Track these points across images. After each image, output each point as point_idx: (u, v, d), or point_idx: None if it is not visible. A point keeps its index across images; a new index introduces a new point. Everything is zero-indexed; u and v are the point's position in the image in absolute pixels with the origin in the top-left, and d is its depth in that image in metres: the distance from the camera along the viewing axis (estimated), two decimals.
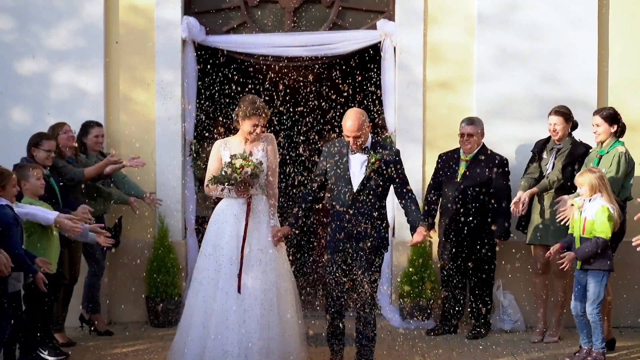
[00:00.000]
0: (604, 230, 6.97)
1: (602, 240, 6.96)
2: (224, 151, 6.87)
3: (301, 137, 12.34)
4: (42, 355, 7.17)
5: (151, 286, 8.52)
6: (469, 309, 8.40)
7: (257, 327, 6.55)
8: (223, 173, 6.64)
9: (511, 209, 7.83)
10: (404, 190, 6.78)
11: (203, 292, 6.69)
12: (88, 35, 8.60)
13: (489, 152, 8.21)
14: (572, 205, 7.26)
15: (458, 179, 8.13)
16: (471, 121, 8.21)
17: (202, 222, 9.15)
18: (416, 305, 8.47)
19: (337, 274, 6.75)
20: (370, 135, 6.82)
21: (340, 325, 6.84)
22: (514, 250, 8.39)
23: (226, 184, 6.67)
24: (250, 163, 6.62)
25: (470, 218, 8.02)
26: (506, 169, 8.16)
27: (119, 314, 8.75)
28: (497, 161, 8.13)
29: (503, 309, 8.37)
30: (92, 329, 8.28)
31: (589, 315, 7.04)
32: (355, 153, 6.74)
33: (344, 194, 6.73)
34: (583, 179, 7.10)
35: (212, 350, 6.51)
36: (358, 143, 6.69)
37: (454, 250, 8.17)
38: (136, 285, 8.70)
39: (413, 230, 6.71)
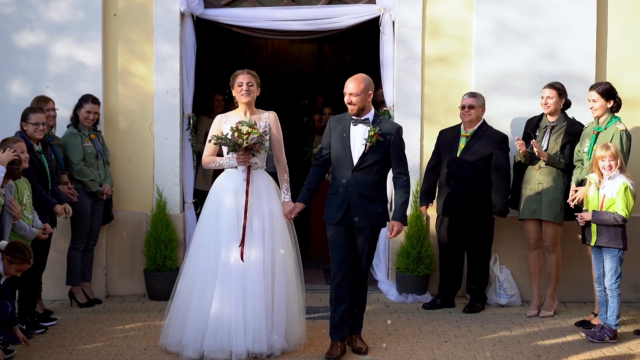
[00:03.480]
0: (624, 208, 7.02)
1: (621, 218, 7.02)
2: (224, 125, 6.89)
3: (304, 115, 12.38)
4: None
5: (149, 259, 8.57)
6: (465, 283, 8.46)
7: (258, 299, 6.58)
8: (229, 137, 6.67)
9: (516, 144, 7.91)
10: (398, 172, 6.72)
11: (203, 264, 6.73)
12: (86, 8, 8.57)
13: (489, 128, 8.22)
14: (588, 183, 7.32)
15: (458, 154, 8.14)
16: (473, 94, 8.21)
17: (200, 196, 9.20)
18: (413, 280, 8.51)
19: (339, 247, 6.74)
20: (373, 109, 6.74)
21: (346, 298, 6.76)
22: (510, 225, 8.44)
23: (230, 149, 6.71)
24: (256, 130, 6.66)
25: (469, 193, 8.05)
26: (506, 145, 8.17)
27: (117, 286, 8.80)
28: (497, 137, 8.14)
29: (499, 283, 8.41)
30: (73, 301, 8.35)
31: (608, 289, 7.12)
32: (357, 124, 6.66)
33: (344, 168, 6.71)
34: (608, 153, 7.08)
35: (214, 322, 6.55)
36: (353, 104, 6.62)
37: (451, 224, 8.20)
38: (134, 258, 8.77)
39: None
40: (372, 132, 6.58)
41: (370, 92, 6.68)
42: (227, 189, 6.82)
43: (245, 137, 6.62)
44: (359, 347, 6.86)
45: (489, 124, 8.27)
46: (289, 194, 6.99)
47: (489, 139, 8.12)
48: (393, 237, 6.79)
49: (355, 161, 6.66)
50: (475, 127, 8.17)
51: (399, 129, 6.71)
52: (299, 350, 6.84)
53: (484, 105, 8.22)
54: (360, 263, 6.75)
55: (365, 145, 6.61)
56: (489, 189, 8.09)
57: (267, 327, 6.61)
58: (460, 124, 8.27)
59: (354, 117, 6.70)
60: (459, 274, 8.37)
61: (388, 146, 6.64)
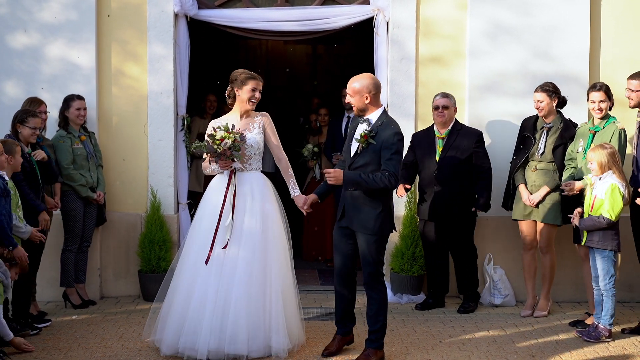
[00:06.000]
0: (610, 210, 7.00)
1: (606, 220, 7.00)
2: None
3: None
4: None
5: (144, 260, 8.56)
6: (456, 285, 8.46)
7: (245, 300, 6.56)
8: (205, 144, 6.67)
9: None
10: (382, 168, 6.36)
11: (192, 265, 6.70)
12: (80, 9, 8.56)
13: (462, 127, 8.19)
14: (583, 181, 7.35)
15: (437, 158, 8.08)
16: (445, 94, 8.17)
17: (193, 197, 9.20)
18: (407, 280, 8.50)
19: (336, 247, 6.75)
20: (380, 110, 6.49)
21: (345, 295, 6.79)
22: (505, 226, 8.45)
23: (208, 155, 6.72)
24: (231, 135, 6.59)
25: (453, 194, 8.01)
26: (483, 141, 8.15)
27: (112, 288, 8.80)
28: (473, 135, 8.10)
29: (493, 283, 8.41)
30: (67, 302, 8.34)
31: (603, 290, 7.12)
32: (362, 123, 6.48)
33: (345, 166, 6.67)
34: (593, 155, 7.10)
35: (192, 322, 6.55)
36: (352, 104, 6.49)
37: (437, 227, 8.17)
38: (129, 259, 8.76)
39: None
40: (363, 133, 6.41)
41: (366, 93, 6.40)
42: (219, 191, 6.80)
43: (218, 142, 6.57)
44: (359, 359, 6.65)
45: (483, 124, 8.28)
46: (297, 187, 6.98)
47: (466, 137, 8.09)
48: (325, 173, 6.46)
49: (350, 160, 6.58)
50: (449, 128, 8.13)
51: (394, 135, 6.34)
52: (295, 351, 6.81)
53: (456, 105, 8.20)
54: (363, 268, 6.57)
55: (358, 145, 6.49)
56: (471, 187, 8.07)
57: (265, 328, 6.59)
58: (432, 125, 8.22)
59: (359, 116, 6.58)
60: (446, 275, 8.35)
61: (379, 151, 6.36)
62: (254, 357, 6.57)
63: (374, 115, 6.48)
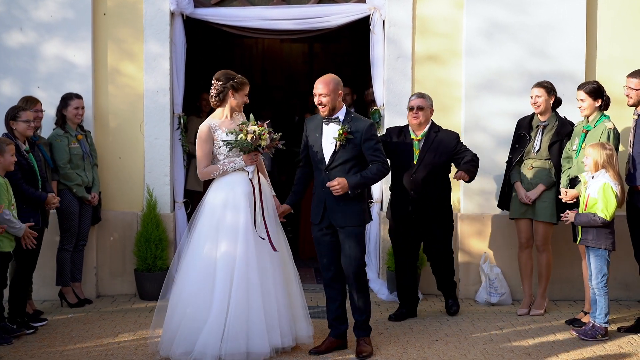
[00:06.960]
0: (604, 209, 7.01)
1: (600, 219, 7.01)
2: (216, 132, 6.71)
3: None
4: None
5: (140, 259, 8.55)
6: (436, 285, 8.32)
7: (282, 295, 6.65)
8: (250, 140, 6.58)
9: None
10: (371, 160, 6.65)
11: (221, 264, 6.54)
12: (76, 8, 8.55)
13: (440, 129, 7.88)
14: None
15: (415, 162, 7.76)
16: (421, 95, 7.90)
17: (191, 196, 9.18)
18: None
19: (322, 247, 6.82)
20: (345, 108, 6.75)
21: (336, 296, 6.87)
22: (501, 225, 8.46)
23: (248, 151, 6.62)
24: (264, 128, 6.65)
25: (431, 200, 7.77)
26: (461, 141, 7.87)
27: (108, 286, 8.79)
28: (452, 138, 7.83)
29: (490, 282, 8.41)
30: (63, 301, 8.33)
31: (595, 288, 7.14)
32: (328, 124, 6.66)
33: (318, 168, 6.76)
34: (591, 152, 7.12)
35: (232, 326, 6.45)
36: (324, 105, 6.62)
37: (413, 234, 7.91)
38: (125, 258, 8.75)
39: None
40: (341, 131, 6.57)
41: (339, 91, 6.66)
42: (239, 191, 6.67)
43: (264, 137, 6.60)
44: (360, 350, 6.74)
45: (480, 123, 8.25)
46: (272, 189, 7.06)
47: (444, 140, 7.79)
48: (330, 186, 6.51)
49: (327, 160, 6.67)
50: (426, 130, 7.83)
51: (370, 126, 6.66)
52: (290, 351, 6.81)
53: (432, 106, 7.92)
54: (347, 263, 6.69)
55: (335, 144, 6.62)
56: (448, 191, 7.90)
57: (291, 317, 6.70)
58: (407, 125, 7.93)
59: (325, 117, 6.71)
60: (416, 282, 8.15)
61: (360, 144, 6.61)
62: (288, 345, 6.70)
63: (342, 113, 6.72)
